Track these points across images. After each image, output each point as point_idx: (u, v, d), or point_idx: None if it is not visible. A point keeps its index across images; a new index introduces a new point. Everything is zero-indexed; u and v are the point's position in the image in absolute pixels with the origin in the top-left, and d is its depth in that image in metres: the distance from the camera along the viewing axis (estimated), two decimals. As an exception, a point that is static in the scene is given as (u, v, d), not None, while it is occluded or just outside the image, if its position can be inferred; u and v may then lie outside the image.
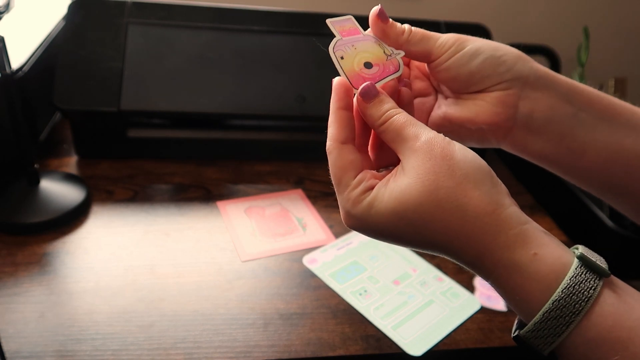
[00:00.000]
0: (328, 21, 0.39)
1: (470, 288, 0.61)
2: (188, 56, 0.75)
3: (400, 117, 0.32)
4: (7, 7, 0.59)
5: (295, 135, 0.81)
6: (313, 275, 0.60)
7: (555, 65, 1.12)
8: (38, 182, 0.66)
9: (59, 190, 0.67)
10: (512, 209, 0.30)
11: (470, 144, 0.39)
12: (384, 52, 0.37)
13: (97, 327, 0.51)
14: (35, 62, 0.71)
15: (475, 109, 0.38)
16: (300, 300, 0.57)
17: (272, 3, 1.00)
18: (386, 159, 0.35)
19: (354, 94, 0.34)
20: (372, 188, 0.31)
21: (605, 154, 0.38)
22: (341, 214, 0.33)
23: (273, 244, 0.64)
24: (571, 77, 1.15)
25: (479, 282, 0.61)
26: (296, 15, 0.82)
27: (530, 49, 1.10)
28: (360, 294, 0.58)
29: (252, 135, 0.80)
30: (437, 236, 0.30)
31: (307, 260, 0.62)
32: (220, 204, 0.70)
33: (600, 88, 1.15)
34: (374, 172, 0.33)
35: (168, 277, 0.58)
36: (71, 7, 0.75)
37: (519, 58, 0.38)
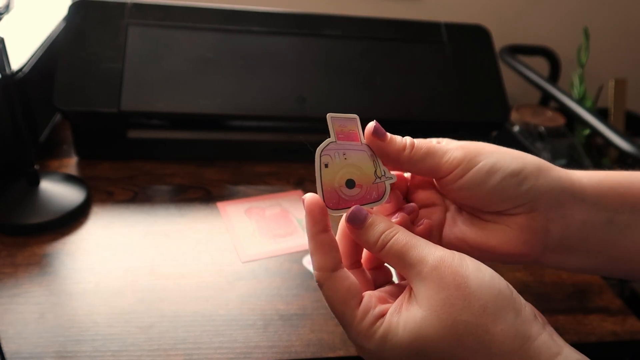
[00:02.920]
0: (328, 116, 0.33)
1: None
2: (188, 57, 0.75)
3: (399, 238, 0.29)
4: (7, 8, 0.59)
5: (296, 136, 0.81)
6: (313, 276, 0.60)
7: (555, 66, 1.12)
8: (38, 183, 0.66)
9: (59, 191, 0.67)
10: (541, 340, 0.27)
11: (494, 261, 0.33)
12: (375, 172, 0.32)
13: (97, 328, 0.51)
14: (36, 63, 0.72)
15: (499, 235, 0.32)
16: (301, 301, 0.57)
17: (272, 4, 1.00)
18: (385, 274, 0.32)
19: (330, 212, 0.30)
20: (382, 315, 0.29)
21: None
22: (355, 347, 0.30)
23: (273, 245, 0.64)
24: (571, 78, 1.15)
25: None
26: (296, 17, 0.82)
27: (530, 50, 1.10)
28: None
29: (252, 136, 0.80)
30: None
31: (307, 261, 0.62)
32: (221, 205, 0.70)
33: (601, 89, 1.14)
34: (378, 292, 0.30)
35: (168, 278, 0.58)
36: (71, 8, 0.75)
37: (539, 170, 0.32)
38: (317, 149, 0.31)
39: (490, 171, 0.31)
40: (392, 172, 0.32)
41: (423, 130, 0.86)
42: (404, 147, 0.32)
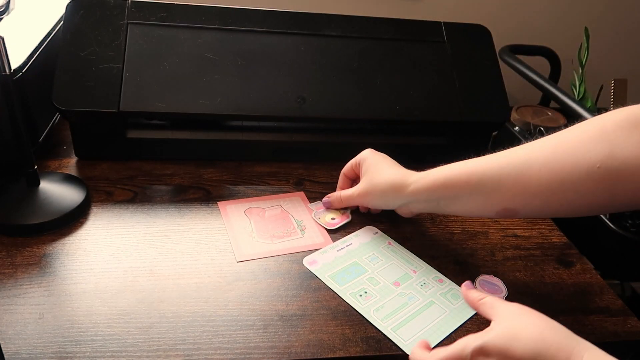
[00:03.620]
0: (309, 206, 0.72)
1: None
2: (188, 57, 0.75)
3: (490, 297, 0.49)
4: (7, 8, 0.58)
5: (296, 137, 0.81)
6: (313, 277, 0.60)
7: (555, 66, 1.12)
8: (37, 183, 0.66)
9: (58, 192, 0.67)
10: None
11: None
12: (339, 211, 0.71)
13: (96, 328, 0.51)
14: (35, 63, 0.71)
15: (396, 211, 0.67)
16: (300, 301, 0.56)
17: (273, 4, 1.00)
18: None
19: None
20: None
21: (462, 213, 0.64)
22: None
23: (270, 245, 0.64)
24: (571, 78, 1.15)
25: (478, 283, 0.61)
26: (296, 16, 0.82)
27: (530, 50, 1.10)
28: (361, 295, 0.58)
29: (252, 136, 0.80)
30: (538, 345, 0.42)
31: (307, 262, 0.62)
32: (221, 205, 0.70)
33: (601, 89, 1.14)
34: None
35: (168, 279, 0.58)
36: (70, 7, 0.75)
37: (395, 192, 0.63)
38: (312, 214, 0.70)
39: (374, 203, 0.68)
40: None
41: (423, 130, 0.86)
42: (339, 202, 0.71)
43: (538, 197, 0.53)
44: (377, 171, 0.64)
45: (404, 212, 0.65)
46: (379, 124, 0.85)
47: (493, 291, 0.60)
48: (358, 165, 0.67)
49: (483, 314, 0.48)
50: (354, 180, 0.70)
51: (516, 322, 0.44)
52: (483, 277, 0.62)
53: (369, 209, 0.71)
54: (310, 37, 0.81)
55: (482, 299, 0.49)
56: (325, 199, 0.70)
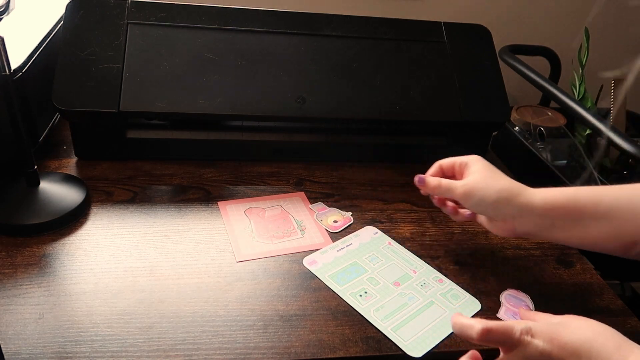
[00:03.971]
0: (311, 207, 0.71)
1: (470, 290, 0.60)
2: (188, 57, 0.75)
3: (537, 324, 0.46)
4: (6, 8, 0.58)
5: (296, 137, 0.81)
6: (313, 277, 0.60)
7: (555, 66, 1.12)
8: (37, 183, 0.66)
9: (58, 192, 0.67)
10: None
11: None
12: (342, 214, 0.70)
13: (96, 328, 0.51)
14: (34, 63, 0.71)
15: (492, 226, 0.60)
16: (300, 301, 0.56)
17: (273, 4, 1.00)
18: None
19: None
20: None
21: (576, 242, 0.56)
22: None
23: (270, 246, 0.64)
24: (571, 78, 1.14)
25: (504, 297, 0.60)
26: (296, 16, 0.82)
27: (530, 50, 1.10)
28: (361, 296, 0.58)
29: (252, 136, 0.80)
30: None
31: (307, 262, 0.62)
32: (221, 205, 0.70)
33: (601, 89, 1.14)
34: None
35: (168, 279, 0.58)
36: (70, 7, 0.75)
37: (508, 199, 0.56)
38: (314, 216, 0.67)
39: (479, 204, 0.58)
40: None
41: (423, 130, 0.86)
42: (434, 187, 0.61)
43: None
44: (490, 174, 0.58)
45: (505, 228, 0.58)
46: (379, 124, 0.85)
47: (519, 306, 0.58)
48: (464, 165, 0.61)
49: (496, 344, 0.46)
50: (449, 177, 0.63)
51: (564, 317, 0.46)
52: (509, 292, 0.60)
53: (456, 212, 0.64)
54: (310, 37, 0.81)
55: (530, 329, 0.46)
56: (418, 177, 0.62)
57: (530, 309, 0.58)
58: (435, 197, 0.64)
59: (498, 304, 0.59)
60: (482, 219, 0.61)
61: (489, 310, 0.58)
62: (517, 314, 0.56)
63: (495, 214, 0.57)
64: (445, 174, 0.62)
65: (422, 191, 0.62)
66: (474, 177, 0.58)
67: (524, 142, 0.96)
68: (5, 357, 0.45)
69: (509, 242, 0.69)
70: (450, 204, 0.63)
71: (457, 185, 0.58)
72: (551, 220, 0.54)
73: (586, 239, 0.54)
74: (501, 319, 0.54)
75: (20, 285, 0.55)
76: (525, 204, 0.55)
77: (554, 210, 0.54)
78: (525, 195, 0.55)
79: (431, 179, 0.61)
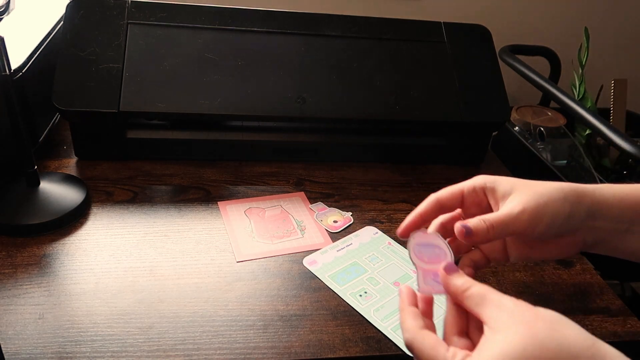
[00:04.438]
0: (311, 207, 0.65)
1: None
2: (188, 57, 0.75)
3: (480, 285, 0.36)
4: (7, 8, 0.58)
5: (296, 137, 0.81)
6: (313, 277, 0.60)
7: (555, 66, 1.12)
8: (37, 183, 0.66)
9: (58, 192, 0.67)
10: (602, 342, 0.31)
11: None
12: (342, 214, 0.67)
13: (96, 328, 0.51)
14: (35, 63, 0.71)
15: (550, 250, 0.43)
16: (300, 301, 0.56)
17: (273, 4, 1.00)
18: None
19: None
20: (468, 355, 0.33)
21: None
22: None
23: (270, 246, 0.64)
24: (571, 79, 1.14)
25: (414, 250, 0.49)
26: (297, 16, 0.82)
27: (530, 50, 1.10)
28: (361, 296, 0.58)
29: (252, 137, 0.80)
30: None
31: (307, 262, 0.62)
32: (221, 205, 0.70)
33: (601, 89, 1.14)
34: (457, 341, 0.36)
35: (168, 279, 0.58)
36: (70, 8, 0.75)
37: (579, 204, 0.41)
38: (314, 216, 0.50)
39: (553, 221, 0.40)
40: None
41: (423, 130, 0.86)
42: (487, 232, 0.40)
43: None
44: (530, 185, 0.42)
45: (574, 242, 0.43)
46: (379, 124, 0.85)
47: (435, 258, 0.41)
48: (482, 190, 0.43)
49: (470, 310, 0.36)
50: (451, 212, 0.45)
51: (516, 341, 0.31)
52: (417, 239, 0.42)
53: (504, 256, 0.45)
54: (310, 37, 0.81)
55: (467, 289, 0.36)
56: (464, 226, 0.40)
57: (449, 260, 0.41)
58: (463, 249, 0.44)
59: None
60: (526, 253, 0.44)
61: (489, 310, 0.58)
62: (438, 276, 0.40)
63: (569, 226, 0.41)
64: (445, 210, 0.44)
65: (467, 242, 0.41)
66: (520, 195, 0.41)
67: (524, 142, 0.96)
68: (5, 357, 0.45)
69: (509, 242, 0.69)
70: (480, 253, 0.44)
71: (509, 217, 0.40)
72: (627, 224, 0.42)
73: None
74: (422, 292, 0.40)
75: (21, 285, 0.55)
76: (598, 202, 0.42)
77: (630, 209, 0.42)
78: (592, 192, 0.42)
79: (474, 223, 0.41)
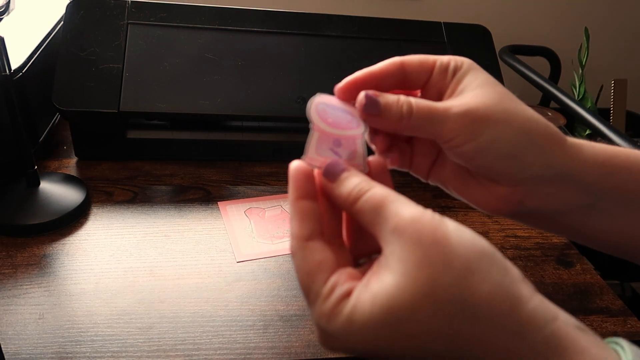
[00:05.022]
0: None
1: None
2: (188, 57, 0.75)
3: (375, 191, 0.26)
4: (7, 8, 0.58)
5: (296, 137, 0.81)
6: (313, 277, 0.60)
7: (555, 66, 1.12)
8: (37, 183, 0.66)
9: (58, 192, 0.67)
10: (534, 302, 0.24)
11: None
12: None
13: (96, 328, 0.51)
14: (35, 63, 0.71)
15: (478, 194, 0.33)
16: (301, 301, 0.56)
17: (273, 4, 1.00)
18: (367, 245, 0.28)
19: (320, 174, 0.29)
20: (349, 294, 0.25)
21: (619, 238, 0.33)
22: (318, 333, 0.27)
23: (270, 246, 0.64)
24: (571, 79, 1.14)
25: (316, 112, 0.38)
26: (297, 16, 0.82)
27: (530, 50, 1.10)
28: None
29: (253, 137, 0.80)
30: (444, 348, 0.23)
31: (307, 262, 0.62)
32: (221, 205, 0.70)
33: (601, 89, 1.14)
34: (352, 269, 0.27)
35: (168, 279, 0.58)
36: (70, 7, 0.75)
37: (542, 151, 0.30)
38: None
39: (487, 149, 0.30)
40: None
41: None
42: (400, 117, 0.30)
43: None
44: (505, 93, 0.31)
45: (508, 199, 0.32)
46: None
47: (341, 123, 0.31)
48: (453, 71, 0.32)
49: (364, 226, 0.27)
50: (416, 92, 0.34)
51: (409, 292, 0.23)
52: (327, 99, 0.32)
53: (409, 162, 0.35)
54: (310, 37, 0.81)
55: (357, 199, 0.26)
56: (367, 96, 0.30)
57: (360, 128, 0.31)
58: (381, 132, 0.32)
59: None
60: (449, 180, 0.34)
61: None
62: (340, 145, 0.30)
63: (509, 171, 0.31)
64: (407, 83, 0.33)
65: (368, 120, 0.31)
66: (480, 93, 0.30)
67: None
68: (5, 357, 0.45)
69: (508, 242, 0.69)
70: (401, 147, 0.35)
71: (450, 107, 0.30)
72: (595, 198, 0.32)
73: (634, 237, 0.33)
74: (308, 162, 0.30)
75: (21, 285, 0.55)
76: (576, 154, 0.31)
77: (609, 180, 0.31)
78: (573, 140, 0.32)
79: (391, 100, 0.30)
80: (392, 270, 0.24)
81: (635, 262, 0.34)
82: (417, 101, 0.30)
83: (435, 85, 0.32)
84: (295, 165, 0.29)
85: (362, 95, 0.30)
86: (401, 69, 0.32)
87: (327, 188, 0.28)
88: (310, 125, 0.30)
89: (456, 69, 0.31)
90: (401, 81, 0.32)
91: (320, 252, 0.26)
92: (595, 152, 0.31)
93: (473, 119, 0.29)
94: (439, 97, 0.32)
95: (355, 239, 0.29)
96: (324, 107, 0.31)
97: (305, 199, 0.28)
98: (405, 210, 0.25)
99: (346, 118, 0.30)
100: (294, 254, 0.27)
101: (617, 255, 0.35)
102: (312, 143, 0.30)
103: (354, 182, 0.27)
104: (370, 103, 0.30)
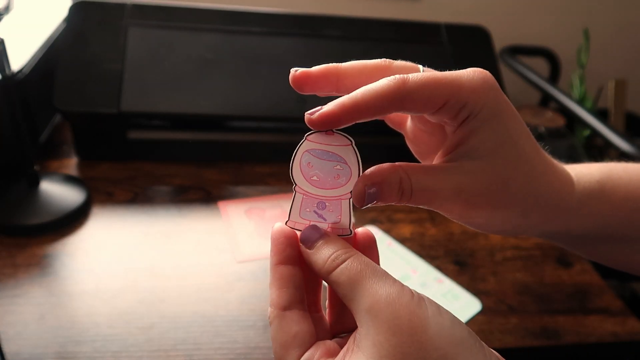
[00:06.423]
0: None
1: (471, 289, 0.60)
2: (188, 58, 0.75)
3: (352, 263, 0.24)
4: (6, 9, 0.59)
5: (296, 137, 0.81)
6: (313, 277, 0.60)
7: (555, 66, 1.12)
8: (38, 183, 0.66)
9: (59, 192, 0.67)
10: None
11: None
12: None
13: (97, 328, 0.51)
14: (36, 64, 0.72)
15: (476, 224, 0.30)
16: (301, 301, 0.57)
17: (273, 5, 1.00)
18: (349, 318, 0.26)
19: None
20: None
21: (613, 263, 0.34)
22: None
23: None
24: (571, 79, 1.14)
25: (305, 156, 0.34)
26: (296, 17, 0.82)
27: (530, 51, 1.10)
28: None
29: (253, 137, 0.80)
30: None
31: (307, 262, 0.62)
32: (222, 205, 0.70)
33: (601, 90, 1.14)
34: (330, 342, 0.25)
35: (168, 279, 0.58)
36: (72, 9, 0.75)
37: (538, 226, 0.30)
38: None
39: (484, 225, 0.29)
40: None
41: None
42: (398, 200, 0.27)
43: None
44: (520, 160, 0.28)
45: (510, 223, 0.29)
46: (379, 125, 0.85)
47: (330, 178, 0.29)
48: (458, 112, 0.27)
49: (340, 295, 0.25)
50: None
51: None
52: (317, 140, 0.30)
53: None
54: (310, 39, 0.81)
55: (337, 266, 0.25)
56: (367, 194, 0.27)
57: (349, 190, 0.28)
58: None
59: (498, 304, 0.59)
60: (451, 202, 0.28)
61: (489, 310, 0.58)
62: (324, 207, 0.29)
63: (507, 232, 0.31)
64: (407, 111, 0.27)
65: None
66: (488, 168, 0.27)
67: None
68: (6, 357, 0.46)
69: (509, 242, 0.70)
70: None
71: (444, 189, 0.27)
72: (580, 230, 0.32)
73: (622, 263, 0.34)
74: (291, 225, 0.29)
75: (22, 285, 0.55)
76: (569, 220, 0.31)
77: (596, 217, 0.31)
78: (576, 200, 0.31)
79: (391, 186, 0.27)
80: (366, 354, 0.22)
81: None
82: (417, 182, 0.27)
83: (439, 121, 0.28)
84: (276, 227, 0.28)
85: (360, 188, 0.27)
86: (401, 102, 0.26)
87: (305, 254, 0.27)
88: (293, 187, 0.28)
89: (471, 115, 0.27)
90: (399, 108, 0.27)
91: (297, 324, 0.25)
92: (600, 208, 0.31)
93: (466, 203, 0.27)
94: (438, 130, 0.30)
95: (337, 310, 0.28)
96: (308, 158, 0.28)
97: (285, 264, 0.27)
98: (381, 288, 0.23)
99: (333, 170, 0.28)
100: (270, 322, 0.26)
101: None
102: (295, 205, 0.28)
103: (330, 250, 0.25)
104: (369, 199, 0.27)
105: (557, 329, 0.57)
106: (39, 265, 0.58)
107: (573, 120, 1.02)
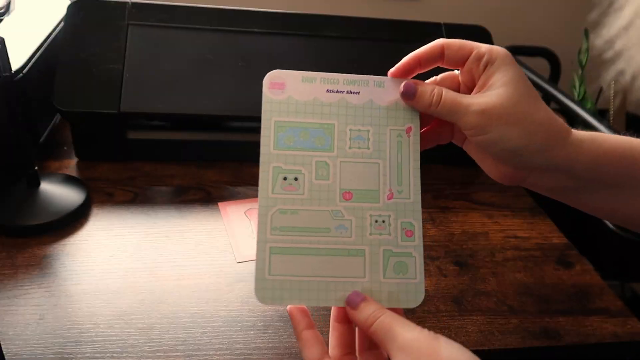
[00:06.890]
0: None
1: (470, 290, 0.60)
2: (188, 58, 0.75)
3: (386, 317, 0.34)
4: (7, 9, 0.58)
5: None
6: (313, 277, 0.60)
7: (555, 67, 1.12)
8: (38, 184, 0.66)
9: (58, 193, 0.67)
10: None
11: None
12: None
13: (97, 329, 0.51)
14: (35, 64, 0.71)
15: (486, 164, 0.40)
16: (301, 302, 0.57)
17: (273, 4, 1.00)
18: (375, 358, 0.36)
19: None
20: None
21: (609, 213, 0.41)
22: None
23: (273, 245, 0.64)
24: (571, 80, 1.14)
25: None
26: (296, 17, 0.82)
27: (530, 51, 1.10)
28: (285, 179, 0.47)
29: (253, 137, 0.80)
30: None
31: (271, 88, 0.59)
32: (221, 205, 0.70)
33: (601, 90, 1.14)
34: None
35: (168, 279, 0.58)
36: (71, 8, 0.75)
37: (540, 151, 0.36)
38: None
39: (495, 143, 0.36)
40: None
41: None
42: (430, 104, 0.38)
43: None
44: (528, 94, 0.36)
45: (513, 176, 0.39)
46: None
47: None
48: (486, 63, 0.38)
49: (377, 344, 0.34)
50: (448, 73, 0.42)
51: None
52: None
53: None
54: (309, 38, 0.81)
55: (371, 324, 0.34)
56: (406, 84, 0.39)
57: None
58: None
59: (498, 305, 0.59)
60: (476, 153, 0.41)
61: (489, 311, 0.58)
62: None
63: (511, 162, 0.37)
64: (447, 63, 0.40)
65: (407, 102, 0.39)
66: (503, 93, 0.36)
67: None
68: (6, 357, 0.45)
69: (509, 242, 0.70)
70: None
71: (471, 104, 0.36)
72: (580, 183, 0.38)
73: (617, 211, 0.39)
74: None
75: (21, 286, 0.55)
76: (563, 159, 0.36)
77: (595, 171, 0.37)
78: (574, 138, 0.37)
79: (426, 88, 0.38)
80: None
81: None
82: (447, 93, 0.37)
83: (469, 71, 0.39)
84: (289, 307, 0.37)
85: (402, 85, 0.39)
86: (441, 51, 0.39)
87: (350, 313, 0.35)
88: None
89: (488, 63, 0.38)
90: (441, 61, 0.39)
91: None
92: (593, 148, 0.37)
93: (487, 118, 0.36)
94: (472, 82, 0.39)
95: (367, 355, 0.37)
96: None
97: (307, 329, 0.36)
98: (408, 332, 0.32)
99: None
100: None
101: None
102: None
103: (370, 310, 0.34)
104: (407, 90, 0.39)
105: (557, 330, 0.57)
106: (38, 265, 0.58)
107: (573, 121, 1.02)
